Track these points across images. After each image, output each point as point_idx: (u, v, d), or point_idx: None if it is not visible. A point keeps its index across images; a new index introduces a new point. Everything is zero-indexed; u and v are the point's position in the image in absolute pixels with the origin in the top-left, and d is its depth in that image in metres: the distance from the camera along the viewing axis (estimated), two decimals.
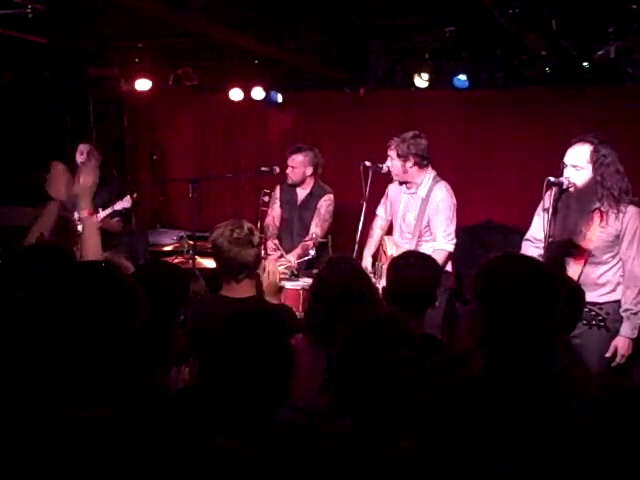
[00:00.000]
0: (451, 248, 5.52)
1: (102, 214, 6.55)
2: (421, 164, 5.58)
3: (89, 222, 3.51)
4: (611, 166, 4.34)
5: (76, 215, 3.73)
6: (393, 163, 5.65)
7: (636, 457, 1.54)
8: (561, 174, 4.45)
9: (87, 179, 3.56)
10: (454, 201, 5.58)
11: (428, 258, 3.98)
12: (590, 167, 4.36)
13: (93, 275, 1.72)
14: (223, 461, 1.79)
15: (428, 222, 5.55)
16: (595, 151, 4.36)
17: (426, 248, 5.54)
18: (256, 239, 3.83)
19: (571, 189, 4.41)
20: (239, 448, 1.89)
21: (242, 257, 3.77)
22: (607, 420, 1.59)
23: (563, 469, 1.89)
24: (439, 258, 5.42)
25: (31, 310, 1.67)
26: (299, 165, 6.45)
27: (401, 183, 5.76)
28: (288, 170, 6.50)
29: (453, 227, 5.54)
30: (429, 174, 5.62)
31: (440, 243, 5.49)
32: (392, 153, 5.66)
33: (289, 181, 6.54)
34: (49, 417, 1.61)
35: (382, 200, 5.98)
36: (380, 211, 6.00)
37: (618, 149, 4.47)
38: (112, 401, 1.68)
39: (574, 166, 4.39)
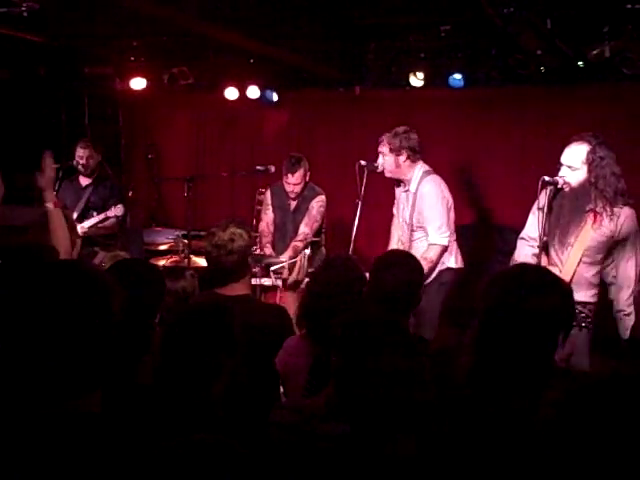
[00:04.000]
0: (445, 242, 5.48)
1: (95, 219, 6.55)
2: (413, 158, 5.57)
3: (56, 214, 3.54)
4: (606, 168, 4.32)
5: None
6: (385, 159, 5.62)
7: (608, 450, 1.52)
8: (557, 173, 4.46)
9: (50, 172, 3.60)
10: (445, 194, 5.55)
11: (411, 258, 3.97)
12: (585, 168, 4.36)
13: (64, 272, 1.72)
14: (214, 457, 1.79)
15: (419, 220, 5.54)
16: (591, 152, 4.35)
17: (419, 245, 5.54)
18: (236, 245, 3.75)
19: (566, 189, 4.42)
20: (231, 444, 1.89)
21: (221, 262, 3.75)
22: (575, 416, 1.57)
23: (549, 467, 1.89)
24: (433, 253, 5.44)
25: (4, 307, 1.68)
26: (302, 179, 6.45)
27: (397, 183, 5.76)
28: (290, 188, 6.47)
29: (444, 220, 5.48)
30: (419, 168, 5.61)
31: (432, 237, 5.47)
32: (384, 149, 5.63)
33: (292, 196, 6.52)
34: (33, 412, 1.61)
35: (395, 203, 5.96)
36: (395, 210, 5.94)
37: (613, 148, 4.47)
38: (98, 397, 1.69)
39: (569, 166, 4.39)
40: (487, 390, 2.13)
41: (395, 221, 5.93)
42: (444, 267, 5.57)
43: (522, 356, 2.13)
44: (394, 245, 5.81)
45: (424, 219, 5.50)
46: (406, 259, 3.88)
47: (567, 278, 4.31)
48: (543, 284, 2.24)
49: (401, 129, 5.64)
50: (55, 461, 1.56)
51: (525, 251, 4.61)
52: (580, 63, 6.58)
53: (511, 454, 1.95)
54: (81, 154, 6.81)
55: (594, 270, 4.44)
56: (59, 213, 3.59)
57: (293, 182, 6.43)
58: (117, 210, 6.60)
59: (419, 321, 5.33)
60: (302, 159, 6.45)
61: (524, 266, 2.54)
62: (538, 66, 6.85)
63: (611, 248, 4.41)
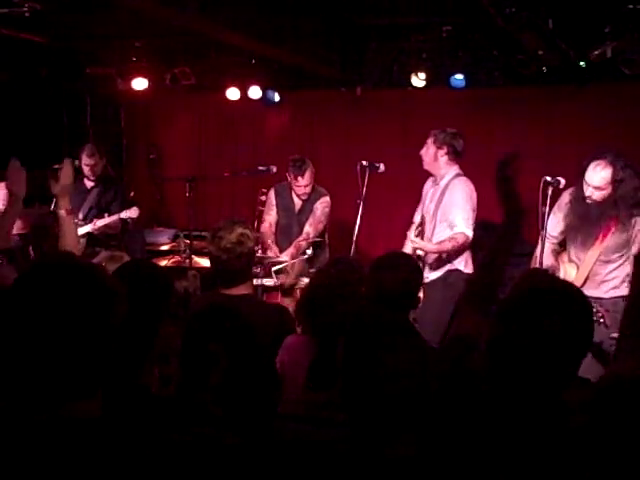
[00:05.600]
0: (471, 233, 5.51)
1: (108, 219, 6.57)
2: (452, 157, 5.68)
3: (67, 221, 3.55)
4: (629, 184, 4.57)
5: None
6: (427, 150, 5.73)
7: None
8: (560, 173, 4.60)
9: (65, 180, 3.61)
10: (474, 195, 5.63)
11: (410, 259, 3.99)
12: (610, 187, 4.58)
13: (67, 272, 1.72)
14: (213, 451, 1.79)
15: (445, 212, 5.56)
16: (616, 174, 4.56)
17: (441, 235, 5.53)
18: (245, 248, 3.74)
19: (589, 201, 4.58)
20: (228, 438, 1.89)
21: (230, 265, 3.74)
22: (607, 418, 1.54)
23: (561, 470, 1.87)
24: (458, 240, 5.45)
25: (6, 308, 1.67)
26: (311, 179, 6.46)
27: (430, 178, 5.81)
28: (302, 190, 6.47)
29: (473, 215, 5.54)
30: (454, 169, 5.72)
31: (460, 227, 5.49)
32: (429, 140, 5.75)
33: (304, 197, 6.52)
34: (34, 416, 1.61)
35: (418, 206, 5.97)
36: (416, 217, 5.92)
37: (615, 148, 4.58)
38: (99, 399, 1.69)
39: (596, 187, 4.59)
40: (503, 392, 2.10)
41: (412, 227, 5.91)
42: (453, 267, 5.58)
43: (538, 370, 2.09)
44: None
45: (451, 210, 5.54)
46: (405, 260, 3.90)
47: (583, 275, 4.60)
48: (561, 306, 2.20)
49: (452, 130, 5.81)
50: (51, 470, 1.56)
51: (546, 247, 4.78)
52: (582, 63, 6.59)
53: (531, 458, 1.93)
54: (87, 162, 6.87)
55: (609, 268, 4.61)
56: (70, 220, 3.61)
57: (304, 184, 6.43)
58: (132, 212, 6.64)
59: (420, 318, 5.34)
60: (305, 160, 6.47)
61: (544, 286, 2.44)
62: (540, 66, 6.85)
63: (626, 249, 4.56)
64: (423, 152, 5.75)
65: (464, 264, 5.65)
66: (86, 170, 6.85)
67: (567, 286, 2.30)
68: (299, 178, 6.39)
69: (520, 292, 2.20)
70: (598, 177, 4.58)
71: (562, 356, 2.05)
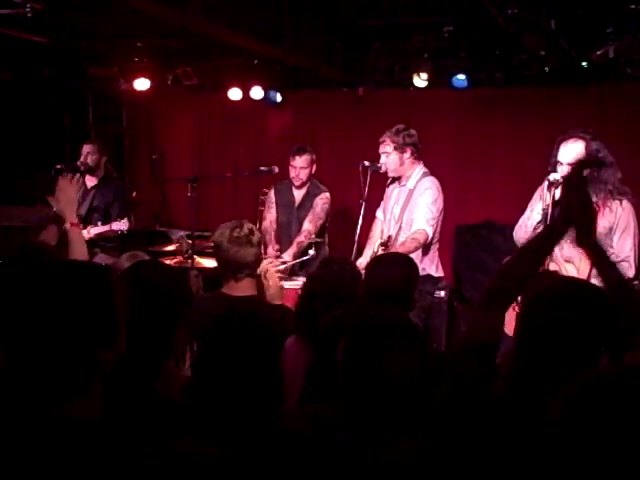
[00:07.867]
0: (430, 231, 5.40)
1: (100, 229, 6.55)
2: (417, 155, 5.61)
3: (75, 233, 3.51)
4: (605, 159, 4.45)
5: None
6: (389, 158, 5.60)
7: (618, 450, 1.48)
8: (553, 169, 4.53)
9: (70, 191, 3.56)
10: (441, 196, 5.55)
11: (408, 258, 3.98)
12: None
13: (63, 270, 1.72)
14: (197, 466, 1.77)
15: (412, 214, 5.52)
16: (589, 146, 4.45)
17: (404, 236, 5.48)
18: (255, 239, 3.86)
19: None
20: (213, 452, 1.87)
21: (241, 256, 3.79)
22: (583, 414, 1.52)
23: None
24: (419, 240, 5.34)
25: (7, 306, 1.68)
26: (309, 165, 6.43)
27: (394, 180, 5.77)
28: (295, 172, 6.43)
29: (436, 215, 5.45)
30: (419, 167, 5.64)
31: (421, 224, 5.40)
32: (388, 147, 5.60)
33: (297, 183, 6.49)
34: (35, 418, 1.61)
35: (382, 203, 5.95)
36: (379, 213, 5.93)
37: (617, 148, 4.55)
38: (98, 401, 1.69)
39: (571, 164, 4.43)
40: (524, 401, 2.10)
41: (377, 223, 5.88)
42: (425, 273, 5.43)
43: (563, 370, 2.10)
44: (370, 252, 5.60)
45: (416, 209, 5.47)
46: (403, 258, 3.90)
47: (587, 271, 4.35)
48: (583, 300, 2.23)
49: (401, 127, 5.65)
50: (48, 470, 1.56)
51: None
52: (584, 64, 6.59)
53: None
54: (83, 150, 6.84)
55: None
56: (78, 233, 3.58)
57: (299, 165, 6.39)
58: (122, 225, 6.59)
59: None
60: (309, 148, 6.49)
61: (567, 282, 2.50)
62: (542, 67, 6.86)
63: (609, 240, 4.49)
64: (384, 162, 5.61)
65: (435, 269, 5.64)
66: (80, 159, 6.82)
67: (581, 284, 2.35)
68: (296, 157, 6.39)
69: (541, 294, 2.24)
70: (571, 150, 4.45)
71: (586, 349, 2.10)
